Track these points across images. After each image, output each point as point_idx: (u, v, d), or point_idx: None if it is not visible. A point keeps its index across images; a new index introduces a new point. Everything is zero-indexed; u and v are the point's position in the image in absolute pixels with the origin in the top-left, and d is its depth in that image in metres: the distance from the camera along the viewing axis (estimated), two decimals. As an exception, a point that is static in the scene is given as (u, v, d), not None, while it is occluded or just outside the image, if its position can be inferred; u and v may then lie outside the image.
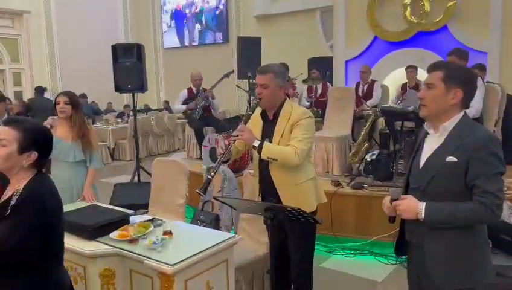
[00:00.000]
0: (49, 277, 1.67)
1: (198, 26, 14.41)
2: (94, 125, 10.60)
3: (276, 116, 2.56)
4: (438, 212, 1.69)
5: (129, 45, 5.77)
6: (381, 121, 5.97)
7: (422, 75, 6.78)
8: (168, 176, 3.78)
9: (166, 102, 14.02)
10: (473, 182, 1.67)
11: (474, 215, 1.66)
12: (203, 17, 14.26)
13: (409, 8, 7.14)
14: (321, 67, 7.90)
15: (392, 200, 1.83)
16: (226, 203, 2.30)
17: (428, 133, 1.87)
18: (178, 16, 14.86)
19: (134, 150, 6.38)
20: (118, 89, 5.84)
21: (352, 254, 4.10)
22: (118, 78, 5.76)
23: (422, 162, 1.84)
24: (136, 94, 6.04)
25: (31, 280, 1.61)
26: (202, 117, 6.15)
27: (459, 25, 6.99)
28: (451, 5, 6.97)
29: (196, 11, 14.38)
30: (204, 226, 3.30)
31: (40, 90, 9.52)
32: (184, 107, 6.21)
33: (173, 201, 3.68)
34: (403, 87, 6.43)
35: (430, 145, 1.84)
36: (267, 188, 2.56)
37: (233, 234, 2.44)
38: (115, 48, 5.75)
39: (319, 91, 7.13)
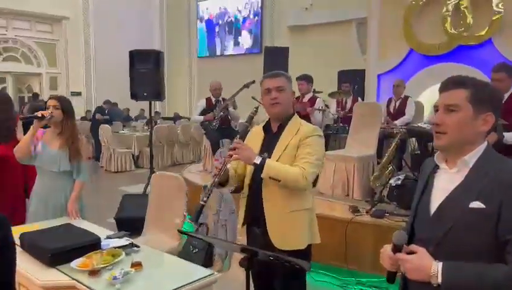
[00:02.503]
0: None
1: (231, 36, 14.26)
2: (121, 132, 10.61)
3: (281, 128, 2.18)
4: (460, 276, 1.26)
5: (147, 52, 5.57)
6: (414, 141, 5.45)
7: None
8: (166, 192, 3.48)
9: (196, 111, 13.90)
10: (508, 237, 1.24)
11: (507, 282, 1.22)
12: (237, 27, 14.10)
13: (449, 19, 6.58)
14: (352, 80, 7.46)
15: (395, 248, 1.39)
16: (200, 238, 1.94)
17: (439, 168, 1.44)
18: (211, 25, 14.80)
19: (149, 160, 6.16)
20: (134, 96, 5.64)
21: (368, 291, 3.63)
22: (134, 85, 5.57)
23: (434, 206, 1.41)
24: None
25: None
26: (220, 128, 5.84)
27: (506, 39, 6.36)
28: (497, 18, 6.37)
29: (230, 20, 14.24)
30: (196, 252, 2.97)
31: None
32: (201, 118, 5.93)
33: (169, 220, 3.38)
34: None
35: (444, 183, 1.41)
36: (254, 214, 2.16)
37: (212, 272, 2.07)
38: (132, 54, 5.57)
39: (349, 105, 6.70)
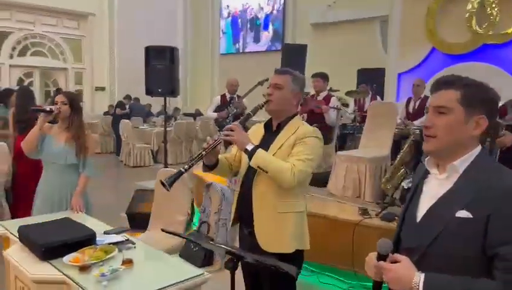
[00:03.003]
0: None
1: (253, 33, 14.21)
2: (141, 127, 10.74)
3: (280, 127, 2.13)
4: (441, 289, 1.19)
5: (162, 48, 5.58)
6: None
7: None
8: (171, 189, 3.47)
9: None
10: (496, 250, 1.16)
11: None
12: (258, 24, 14.03)
13: (474, 17, 6.33)
14: (372, 79, 7.30)
15: (380, 257, 1.32)
16: (187, 239, 1.90)
17: (430, 173, 1.36)
18: (234, 22, 14.78)
19: (163, 156, 6.19)
20: (149, 92, 5.67)
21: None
22: (149, 81, 5.60)
23: (420, 214, 1.34)
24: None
25: None
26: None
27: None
28: (526, 15, 6.10)
29: (252, 17, 14.19)
30: (196, 250, 2.95)
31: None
32: (215, 115, 5.91)
33: (173, 217, 3.40)
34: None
35: (433, 190, 1.33)
36: (245, 212, 2.11)
37: (202, 272, 2.04)
38: (147, 50, 5.60)
39: (367, 105, 6.55)
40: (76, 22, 13.59)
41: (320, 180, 4.95)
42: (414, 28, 6.73)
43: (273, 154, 2.04)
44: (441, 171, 1.33)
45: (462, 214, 1.21)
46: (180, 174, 1.93)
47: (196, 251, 2.93)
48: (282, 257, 1.86)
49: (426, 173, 1.39)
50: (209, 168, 2.13)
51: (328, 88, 5.86)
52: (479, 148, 1.30)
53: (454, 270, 1.20)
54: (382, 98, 7.09)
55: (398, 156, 4.03)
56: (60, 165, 3.02)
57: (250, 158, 1.98)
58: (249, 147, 1.98)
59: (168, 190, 1.89)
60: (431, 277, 1.20)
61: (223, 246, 1.61)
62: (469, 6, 6.36)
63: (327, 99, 5.46)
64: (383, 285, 1.35)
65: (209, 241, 2.96)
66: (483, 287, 1.15)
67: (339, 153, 4.73)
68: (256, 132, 2.24)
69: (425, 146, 1.34)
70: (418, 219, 1.33)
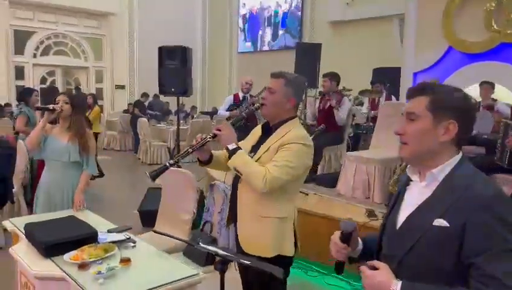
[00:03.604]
0: None
1: (271, 31, 14.19)
2: (158, 125, 10.88)
3: (272, 131, 2.14)
4: None
5: (175, 48, 5.65)
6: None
7: (500, 93, 5.85)
8: (177, 188, 3.53)
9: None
10: (471, 260, 1.15)
11: None
12: (276, 22, 14.00)
13: (492, 15, 6.16)
14: (387, 78, 7.21)
15: (344, 236, 1.37)
16: (179, 239, 1.94)
17: (412, 180, 1.36)
18: (252, 20, 14.79)
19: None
20: (162, 91, 5.76)
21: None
22: (163, 80, 5.68)
23: (400, 221, 1.34)
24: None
25: None
26: (245, 125, 5.83)
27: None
28: (547, 13, 5.90)
29: (270, 15, 14.17)
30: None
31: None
32: (227, 113, 5.95)
33: (179, 216, 3.44)
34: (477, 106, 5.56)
35: (413, 197, 1.33)
36: (232, 211, 2.16)
37: (197, 272, 2.08)
38: (160, 50, 5.67)
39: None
40: (97, 21, 13.85)
41: (329, 180, 4.94)
42: (431, 26, 6.60)
43: (259, 157, 2.06)
44: (421, 179, 1.33)
45: (439, 222, 1.20)
46: (165, 168, 1.99)
47: (199, 250, 2.96)
48: (262, 260, 1.85)
49: (409, 179, 1.39)
50: (203, 163, 2.19)
51: (341, 88, 5.82)
52: (459, 155, 1.29)
53: (431, 279, 1.20)
54: (397, 98, 6.99)
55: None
56: (63, 163, 3.11)
57: (229, 158, 2.01)
58: (231, 147, 2.01)
59: (152, 182, 1.99)
60: (407, 285, 1.20)
61: (208, 247, 1.64)
62: (487, 5, 6.19)
63: (338, 100, 5.42)
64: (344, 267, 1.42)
65: (210, 241, 3.02)
66: None
67: (348, 153, 4.70)
68: (256, 133, 2.27)
69: (400, 153, 1.35)
70: (398, 226, 1.33)
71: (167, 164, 1.98)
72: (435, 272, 1.21)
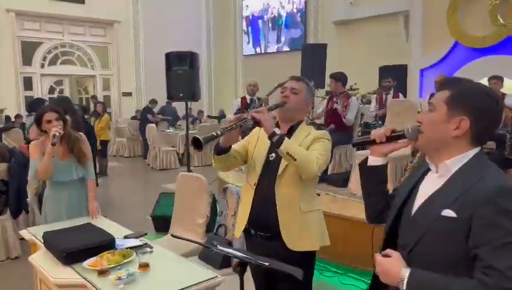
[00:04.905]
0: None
1: (275, 32, 14.22)
2: (167, 131, 10.94)
3: (293, 130, 2.17)
4: (424, 286, 1.22)
5: (182, 53, 5.69)
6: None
7: (508, 86, 5.81)
8: (190, 193, 3.56)
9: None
10: (475, 251, 1.18)
11: None
12: (280, 23, 14.02)
13: (498, 9, 6.15)
14: (394, 76, 7.19)
15: (395, 136, 1.45)
16: (197, 243, 1.96)
17: (430, 170, 1.38)
18: (255, 22, 14.82)
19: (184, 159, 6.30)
20: (170, 97, 5.80)
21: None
22: (171, 86, 5.72)
23: (414, 210, 1.36)
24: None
25: None
26: (253, 128, 5.86)
27: None
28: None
29: (273, 16, 14.18)
30: (215, 252, 3.00)
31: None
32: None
33: (193, 220, 3.47)
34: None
35: (427, 187, 1.35)
36: (262, 214, 2.08)
37: (215, 275, 2.10)
38: (168, 56, 5.72)
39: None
40: (102, 29, 13.96)
41: (340, 180, 4.94)
42: (436, 22, 6.60)
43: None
44: (436, 170, 1.35)
45: (447, 213, 1.23)
46: (214, 136, 1.86)
47: (214, 253, 2.98)
48: (307, 255, 1.98)
49: (428, 169, 1.41)
50: (220, 150, 2.06)
51: (348, 87, 5.82)
52: (476, 149, 1.30)
53: (440, 268, 1.23)
54: (405, 95, 6.98)
55: (417, 155, 3.97)
56: (71, 180, 3.07)
57: (279, 143, 1.90)
58: (278, 131, 1.94)
59: (200, 150, 1.82)
60: (416, 273, 1.23)
61: (226, 250, 1.66)
62: (493, -2, 6.20)
63: (345, 103, 5.42)
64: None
65: (226, 244, 3.03)
66: (462, 286, 1.17)
67: (358, 153, 4.70)
68: (257, 133, 2.25)
69: (416, 143, 1.38)
70: (411, 215, 1.36)
71: (214, 134, 1.86)
72: (444, 261, 1.24)
